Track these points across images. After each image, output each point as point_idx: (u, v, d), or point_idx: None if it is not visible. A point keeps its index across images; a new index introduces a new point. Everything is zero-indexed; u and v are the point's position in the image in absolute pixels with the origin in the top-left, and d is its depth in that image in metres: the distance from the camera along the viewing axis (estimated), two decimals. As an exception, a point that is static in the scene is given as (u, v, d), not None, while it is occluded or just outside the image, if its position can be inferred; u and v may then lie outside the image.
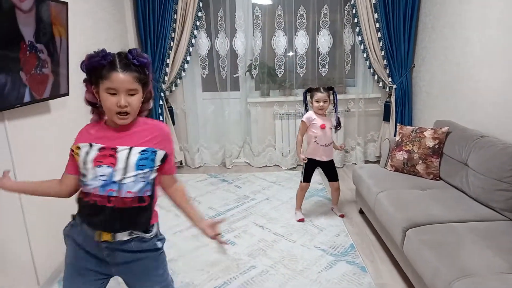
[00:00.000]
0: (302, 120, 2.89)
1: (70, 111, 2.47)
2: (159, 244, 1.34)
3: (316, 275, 2.26)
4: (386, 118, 4.12)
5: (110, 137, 1.24)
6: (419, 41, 3.86)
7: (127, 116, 1.19)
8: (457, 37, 3.07)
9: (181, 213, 1.41)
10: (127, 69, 1.16)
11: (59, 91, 2.23)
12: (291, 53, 4.14)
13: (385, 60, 3.94)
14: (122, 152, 1.20)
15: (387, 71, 3.98)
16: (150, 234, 1.30)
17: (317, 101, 2.79)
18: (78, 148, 1.24)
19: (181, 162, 4.38)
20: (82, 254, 1.28)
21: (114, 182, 1.19)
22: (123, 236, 1.24)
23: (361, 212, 3.07)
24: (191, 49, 4.01)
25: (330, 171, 2.95)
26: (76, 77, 2.39)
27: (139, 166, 1.20)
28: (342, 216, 3.02)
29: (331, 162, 2.93)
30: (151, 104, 1.35)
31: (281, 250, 2.56)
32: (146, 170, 1.22)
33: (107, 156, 1.20)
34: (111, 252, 1.26)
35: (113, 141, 1.22)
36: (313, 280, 2.21)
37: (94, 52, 1.18)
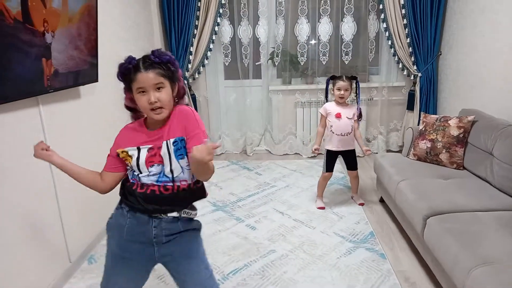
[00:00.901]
0: (320, 112, 2.91)
1: (99, 97, 2.57)
2: (198, 223, 1.42)
3: (335, 260, 2.30)
4: (410, 107, 4.05)
5: (153, 135, 1.31)
6: (446, 28, 3.75)
7: (161, 111, 1.27)
8: (486, 22, 2.98)
9: None
10: (149, 68, 1.24)
11: (88, 78, 2.32)
12: (313, 41, 4.11)
13: (410, 48, 3.86)
14: (164, 148, 1.28)
15: (412, 58, 3.90)
16: (196, 212, 1.39)
17: (338, 89, 2.78)
18: (126, 152, 1.31)
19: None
20: (127, 243, 1.34)
21: (167, 176, 1.28)
22: (172, 215, 1.32)
23: (381, 201, 3.07)
24: (214, 37, 4.05)
25: (350, 160, 2.95)
26: (105, 64, 2.48)
27: (178, 156, 1.27)
28: (361, 204, 3.03)
29: (352, 151, 2.92)
30: (186, 99, 1.42)
31: (301, 235, 2.60)
32: (185, 158, 1.28)
33: (156, 155, 1.28)
34: (159, 232, 1.31)
35: (156, 140, 1.30)
36: (332, 265, 2.25)
37: (124, 60, 1.28)
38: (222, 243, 2.53)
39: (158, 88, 1.25)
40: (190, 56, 4.04)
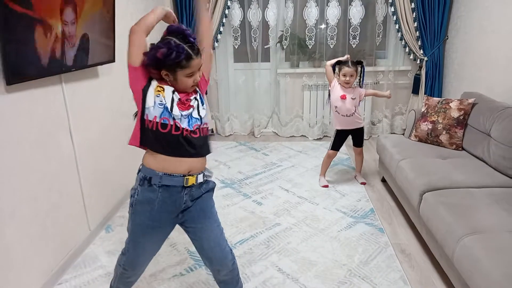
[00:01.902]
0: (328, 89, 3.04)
1: (116, 76, 2.71)
2: (215, 184, 1.60)
3: (336, 233, 2.45)
4: (415, 91, 4.12)
5: (184, 97, 1.44)
6: (454, 11, 3.79)
7: (195, 85, 1.46)
8: (495, 3, 3.01)
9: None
10: (198, 53, 1.38)
11: (106, 57, 2.45)
12: (323, 25, 4.16)
13: (417, 32, 3.92)
14: (193, 99, 1.45)
15: (419, 43, 3.96)
16: (211, 173, 1.56)
17: (344, 75, 2.87)
18: (162, 88, 1.39)
19: (212, 130, 4.61)
20: (157, 214, 1.44)
21: (196, 118, 1.44)
22: (200, 178, 1.47)
23: (383, 180, 3.19)
24: (224, 20, 4.13)
25: (357, 137, 3.07)
26: (121, 45, 2.61)
27: (202, 102, 1.48)
28: (363, 183, 3.16)
29: (360, 130, 3.04)
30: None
31: (304, 211, 2.75)
32: (205, 103, 1.49)
33: (186, 105, 1.42)
34: (188, 198, 1.46)
35: (186, 96, 1.44)
36: (332, 237, 2.40)
37: (162, 45, 1.33)
38: (230, 216, 2.69)
39: (199, 69, 1.41)
40: (201, 39, 4.13)
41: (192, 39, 1.38)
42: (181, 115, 1.40)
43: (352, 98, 2.91)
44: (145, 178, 1.42)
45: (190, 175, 1.44)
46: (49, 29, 1.83)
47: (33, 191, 1.86)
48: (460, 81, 3.67)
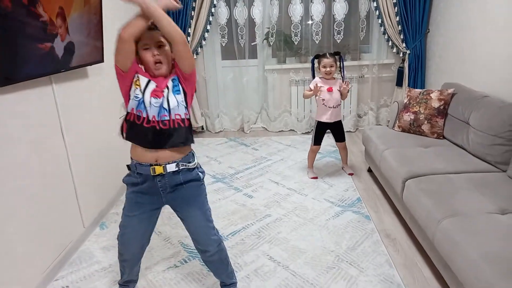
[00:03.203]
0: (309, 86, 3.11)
1: (105, 76, 2.75)
2: (201, 175, 1.66)
3: (324, 222, 2.54)
4: (399, 83, 4.24)
5: (158, 80, 1.51)
6: (434, 6, 3.90)
7: (161, 66, 1.49)
8: (473, 0, 3.12)
9: None
10: (152, 29, 1.48)
11: (95, 58, 2.49)
12: (310, 22, 4.24)
13: (399, 26, 4.02)
14: (165, 89, 1.50)
15: (401, 36, 4.07)
16: (193, 163, 1.61)
17: (324, 67, 2.96)
18: (139, 78, 1.49)
19: (202, 127, 4.66)
20: (140, 193, 1.59)
21: (165, 108, 1.48)
22: (171, 167, 1.53)
23: (369, 170, 3.30)
24: (211, 18, 4.19)
25: (338, 132, 3.16)
26: (110, 46, 2.65)
27: (175, 92, 1.50)
28: (351, 174, 3.26)
29: (339, 123, 3.13)
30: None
31: (294, 202, 2.83)
32: (180, 94, 1.51)
33: (159, 91, 1.49)
34: (163, 184, 1.56)
35: (161, 82, 1.51)
36: (321, 226, 2.49)
37: None
38: (222, 209, 2.76)
39: (159, 46, 1.48)
40: (188, 38, 4.19)
41: (151, 25, 1.47)
42: (150, 102, 1.47)
43: (338, 90, 3.00)
44: (130, 165, 1.60)
45: (157, 165, 1.52)
46: (39, 30, 1.87)
47: (28, 190, 1.90)
48: (441, 73, 3.78)
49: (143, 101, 1.47)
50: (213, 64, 4.48)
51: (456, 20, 3.43)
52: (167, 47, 1.50)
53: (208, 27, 4.21)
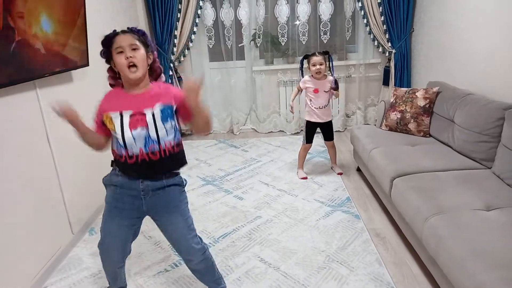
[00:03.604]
0: (298, 85, 3.15)
1: (90, 80, 2.72)
2: (184, 181, 1.64)
3: (314, 222, 2.55)
4: (386, 82, 4.28)
5: (134, 102, 1.46)
6: (418, 5, 3.95)
7: (136, 69, 1.43)
8: (452, -1, 3.19)
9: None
10: (126, 32, 1.46)
11: (80, 62, 2.47)
12: (298, 21, 4.24)
13: (384, 25, 4.07)
14: (148, 114, 1.44)
15: (387, 36, 4.11)
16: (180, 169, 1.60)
17: (314, 65, 2.98)
18: (110, 117, 1.46)
19: (191, 130, 4.64)
20: (119, 194, 1.55)
21: (153, 139, 1.44)
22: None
23: (358, 170, 3.32)
24: (197, 20, 4.18)
25: (327, 132, 3.19)
26: (95, 50, 2.62)
27: (163, 120, 1.45)
28: (340, 174, 3.28)
29: (329, 123, 3.15)
30: (163, 78, 1.62)
31: (284, 203, 2.84)
32: (170, 122, 1.47)
33: (139, 120, 1.44)
34: (146, 186, 1.52)
35: (139, 106, 1.45)
36: (312, 226, 2.50)
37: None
38: (212, 212, 2.76)
39: (134, 49, 1.43)
40: (175, 40, 4.17)
41: (129, 27, 1.48)
42: (134, 138, 1.43)
43: (325, 91, 3.02)
44: (113, 163, 1.58)
45: None
46: (21, 35, 1.84)
47: (13, 197, 1.87)
48: (426, 71, 3.84)
49: (124, 140, 1.44)
50: (201, 65, 4.47)
51: (438, 18, 3.48)
52: (141, 51, 1.45)
53: (195, 29, 4.20)
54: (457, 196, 1.95)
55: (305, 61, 3.12)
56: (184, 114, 1.51)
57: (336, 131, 4.43)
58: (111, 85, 1.59)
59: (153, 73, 1.56)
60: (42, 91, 2.16)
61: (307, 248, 2.26)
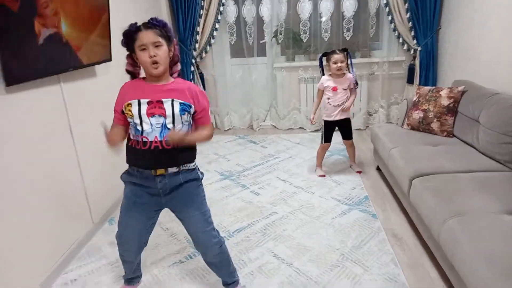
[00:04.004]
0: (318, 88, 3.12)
1: (113, 75, 2.79)
2: (200, 175, 1.66)
3: (330, 220, 2.53)
4: (410, 80, 4.18)
5: (153, 91, 1.50)
6: (446, 2, 3.83)
7: (158, 65, 1.46)
8: (481, -4, 3.07)
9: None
10: (149, 28, 1.47)
11: (103, 57, 2.54)
12: (322, 19, 4.19)
13: (410, 22, 3.96)
14: (167, 103, 1.48)
15: (412, 33, 4.01)
16: (193, 164, 1.62)
17: (335, 63, 2.94)
18: (130, 105, 1.50)
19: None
20: (138, 191, 1.59)
21: (168, 128, 1.48)
22: (173, 169, 1.55)
23: (378, 169, 3.27)
24: (219, 17, 4.20)
25: (346, 130, 3.15)
26: (117, 45, 2.69)
27: (182, 112, 1.49)
28: (359, 172, 3.23)
29: (347, 121, 3.10)
30: (179, 66, 1.64)
31: (300, 200, 2.83)
32: (187, 115, 1.52)
33: (156, 107, 1.48)
34: (164, 185, 1.56)
35: (156, 95, 1.49)
36: (327, 224, 2.48)
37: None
38: (229, 206, 2.78)
39: (157, 46, 1.46)
40: (197, 36, 4.22)
41: (151, 21, 1.48)
42: (151, 125, 1.46)
43: (344, 89, 2.98)
44: (128, 160, 1.61)
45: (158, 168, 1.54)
46: (46, 30, 1.91)
47: (35, 186, 1.95)
48: (453, 70, 3.72)
49: (142, 126, 1.48)
50: (222, 62, 4.49)
51: (467, 16, 3.36)
52: (164, 47, 1.48)
53: (217, 26, 4.23)
54: (476, 198, 1.88)
55: (323, 59, 3.08)
56: (199, 122, 1.59)
57: (357, 129, 4.38)
58: (127, 71, 1.60)
59: (171, 61, 1.58)
60: (66, 85, 2.24)
61: (321, 246, 2.25)
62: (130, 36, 1.48)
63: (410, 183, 2.25)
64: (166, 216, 1.78)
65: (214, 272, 1.84)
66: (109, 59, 2.62)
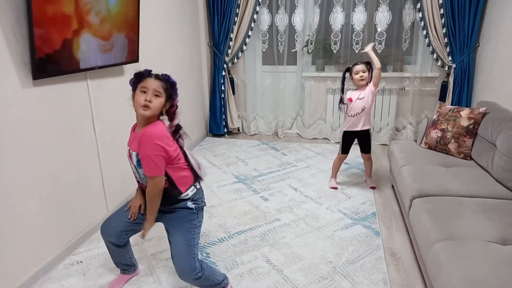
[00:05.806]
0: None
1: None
2: (190, 204, 1.74)
3: (331, 232, 2.53)
4: (442, 98, 4.02)
5: (130, 140, 1.71)
6: (486, 17, 3.65)
7: (147, 109, 1.58)
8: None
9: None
10: (158, 78, 1.62)
11: (130, 58, 2.74)
12: (350, 31, 4.18)
13: (446, 38, 3.83)
14: (133, 154, 1.67)
15: (448, 49, 3.86)
16: (185, 195, 1.73)
17: (357, 73, 2.93)
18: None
19: (238, 129, 4.82)
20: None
21: (140, 175, 1.72)
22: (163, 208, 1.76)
23: (393, 186, 3.19)
24: (253, 24, 4.32)
25: (364, 143, 3.10)
26: (145, 47, 2.88)
27: (138, 165, 1.66)
28: (373, 188, 3.18)
29: (365, 133, 3.06)
30: (175, 123, 1.72)
31: (306, 209, 2.85)
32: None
33: (130, 157, 1.70)
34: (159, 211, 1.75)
35: (131, 145, 1.69)
36: (327, 236, 2.48)
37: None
38: (236, 209, 2.87)
39: (156, 95, 1.59)
40: (230, 42, 4.37)
41: (163, 75, 1.65)
42: (132, 170, 1.75)
43: (359, 99, 2.95)
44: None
45: None
46: (76, 29, 2.13)
47: (54, 170, 2.16)
48: (488, 89, 3.54)
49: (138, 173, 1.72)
50: (253, 68, 4.61)
51: (506, 31, 3.19)
52: (161, 99, 1.61)
53: (250, 33, 4.35)
54: (474, 223, 1.81)
55: (347, 74, 3.06)
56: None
57: (382, 144, 4.29)
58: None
59: (168, 116, 1.72)
60: (92, 82, 2.45)
61: (315, 257, 2.26)
62: (139, 77, 1.63)
63: (410, 202, 2.20)
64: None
65: None
66: (136, 60, 2.82)
